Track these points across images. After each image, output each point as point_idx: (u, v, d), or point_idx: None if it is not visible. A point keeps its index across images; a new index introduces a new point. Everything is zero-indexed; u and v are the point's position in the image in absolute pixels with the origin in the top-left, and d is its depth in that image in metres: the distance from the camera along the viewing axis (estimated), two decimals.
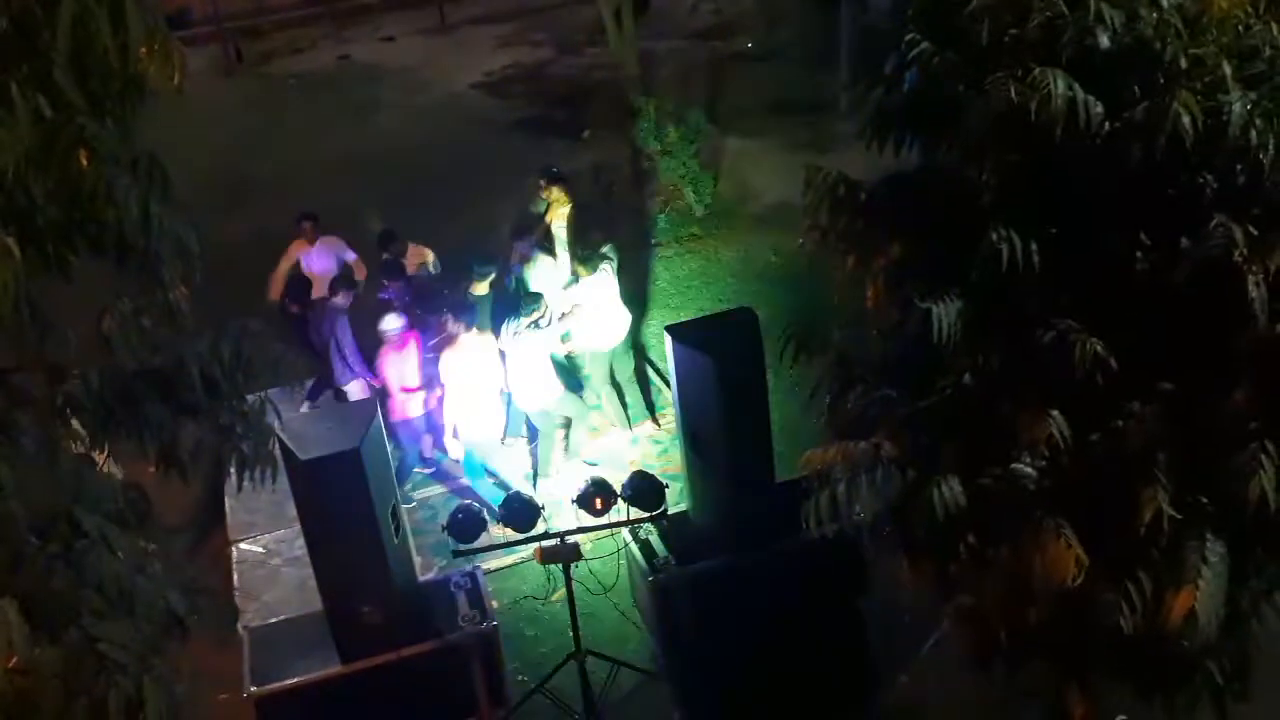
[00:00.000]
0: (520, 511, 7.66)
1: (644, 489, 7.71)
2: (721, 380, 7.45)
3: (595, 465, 10.07)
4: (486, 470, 10.01)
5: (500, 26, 20.10)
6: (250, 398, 5.44)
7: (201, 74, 18.49)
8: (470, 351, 9.67)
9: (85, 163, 4.44)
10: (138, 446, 5.10)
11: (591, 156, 14.80)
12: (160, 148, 4.88)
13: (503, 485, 9.82)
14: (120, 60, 4.37)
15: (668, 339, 7.79)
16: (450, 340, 9.71)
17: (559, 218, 11.42)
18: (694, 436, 7.84)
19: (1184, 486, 4.98)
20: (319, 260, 11.22)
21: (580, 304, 10.35)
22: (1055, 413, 4.99)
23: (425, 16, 20.57)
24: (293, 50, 20.18)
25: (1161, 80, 4.90)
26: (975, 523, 5.27)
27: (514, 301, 10.37)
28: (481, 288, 10.71)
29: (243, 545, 9.90)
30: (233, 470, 5.37)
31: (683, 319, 10.23)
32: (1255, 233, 4.77)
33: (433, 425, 10.09)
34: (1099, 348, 4.86)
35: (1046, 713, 6.03)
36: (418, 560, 8.61)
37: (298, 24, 20.84)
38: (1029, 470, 5.14)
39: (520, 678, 8.40)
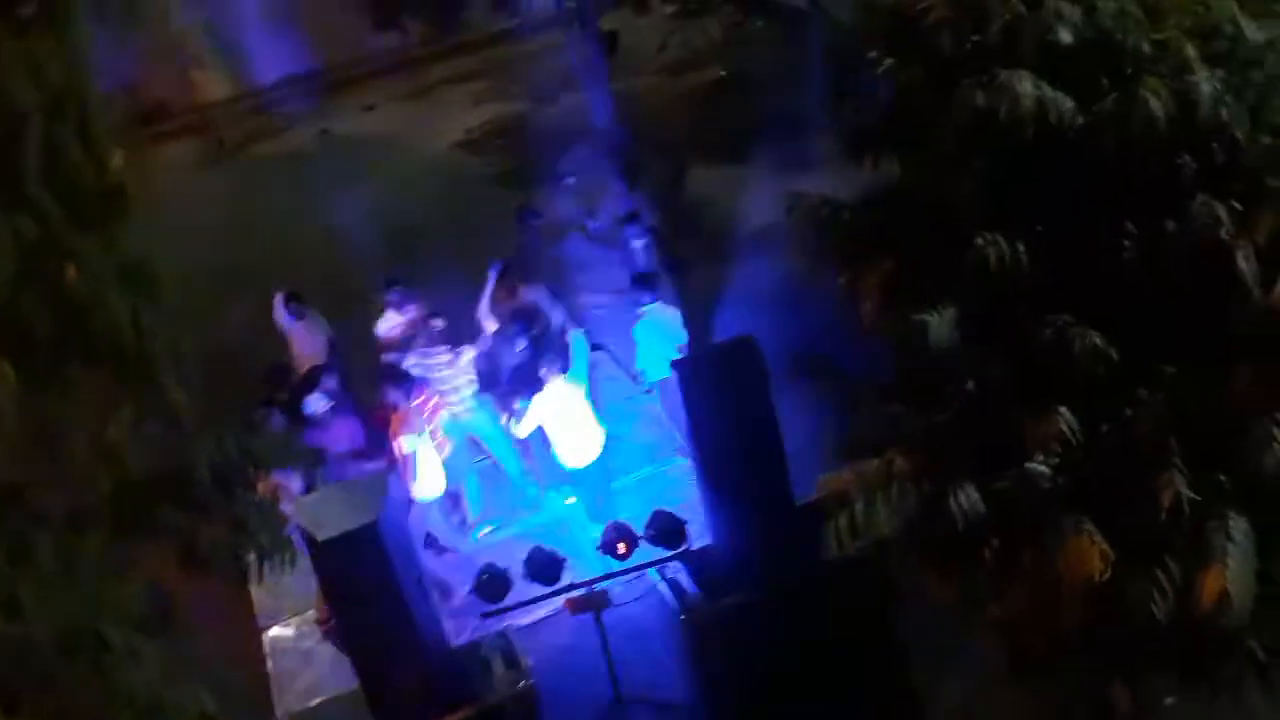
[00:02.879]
0: (545, 565, 7.64)
1: (665, 528, 7.70)
2: (730, 411, 7.44)
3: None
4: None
5: (475, 84, 20.26)
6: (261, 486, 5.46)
7: (185, 165, 18.67)
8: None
9: (73, 276, 4.48)
10: (156, 551, 5.12)
11: (577, 201, 14.86)
12: (149, 244, 4.91)
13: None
14: (96, 172, 4.42)
15: (673, 375, 7.80)
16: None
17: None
18: (708, 469, 7.82)
19: (1200, 468, 4.96)
20: (307, 341, 11.25)
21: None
22: (1063, 409, 4.98)
23: (402, 82, 20.75)
24: (274, 131, 20.34)
25: (1127, 69, 4.93)
26: (997, 528, 5.25)
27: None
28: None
29: (273, 631, 9.87)
30: (252, 561, 5.38)
31: (685, 352, 10.21)
32: (1239, 208, 4.78)
33: None
34: (1098, 340, 4.86)
35: (1093, 712, 5.97)
36: (449, 625, 8.58)
37: (276, 104, 21.02)
38: (1043, 469, 5.12)
39: None
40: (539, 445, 10.05)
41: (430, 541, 9.83)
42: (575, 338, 10.44)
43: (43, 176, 4.31)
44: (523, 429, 9.71)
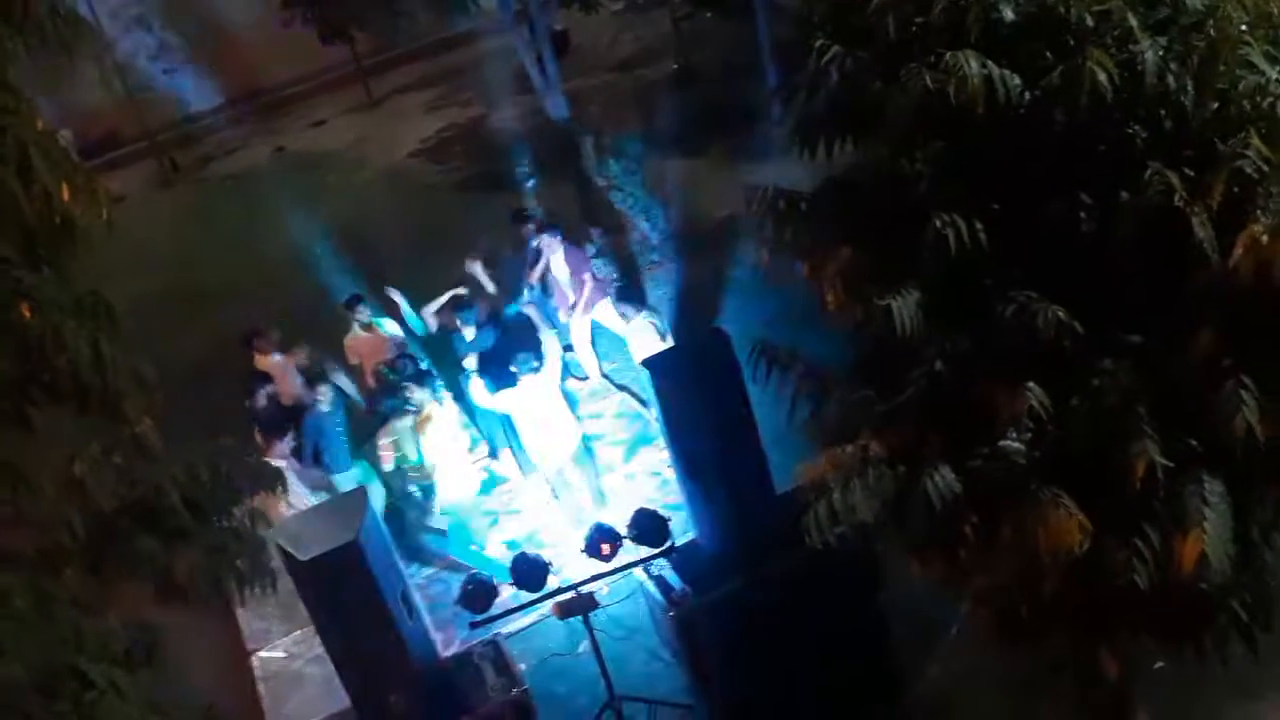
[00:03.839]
0: (530, 571, 7.63)
1: (648, 526, 7.70)
2: (705, 405, 7.46)
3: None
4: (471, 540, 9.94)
5: (427, 92, 20.13)
6: (238, 510, 5.42)
7: (139, 191, 18.49)
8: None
9: (28, 314, 4.44)
10: (133, 582, 5.08)
11: (539, 202, 14.83)
12: (106, 273, 4.87)
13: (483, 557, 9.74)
14: (43, 208, 4.37)
15: (646, 373, 7.81)
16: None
17: (555, 259, 11.43)
18: (688, 464, 7.83)
19: (1171, 434, 5.00)
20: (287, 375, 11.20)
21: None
22: (1031, 384, 5.01)
23: (351, 95, 20.60)
24: (226, 151, 20.17)
25: (1071, 42, 4.95)
26: (974, 506, 5.28)
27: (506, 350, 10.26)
28: (469, 332, 10.69)
29: (262, 654, 9.81)
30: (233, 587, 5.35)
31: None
32: (1191, 175, 4.82)
33: None
34: (1061, 314, 4.89)
35: (1079, 679, 6.02)
36: (438, 637, 8.56)
37: (227, 124, 20.84)
38: (1017, 445, 5.15)
39: None
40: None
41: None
42: (549, 337, 10.47)
43: None
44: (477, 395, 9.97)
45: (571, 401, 10.73)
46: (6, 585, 4.60)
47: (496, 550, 9.84)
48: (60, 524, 4.85)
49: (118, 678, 4.60)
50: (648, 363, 7.95)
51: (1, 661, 4.35)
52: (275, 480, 5.63)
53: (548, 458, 9.94)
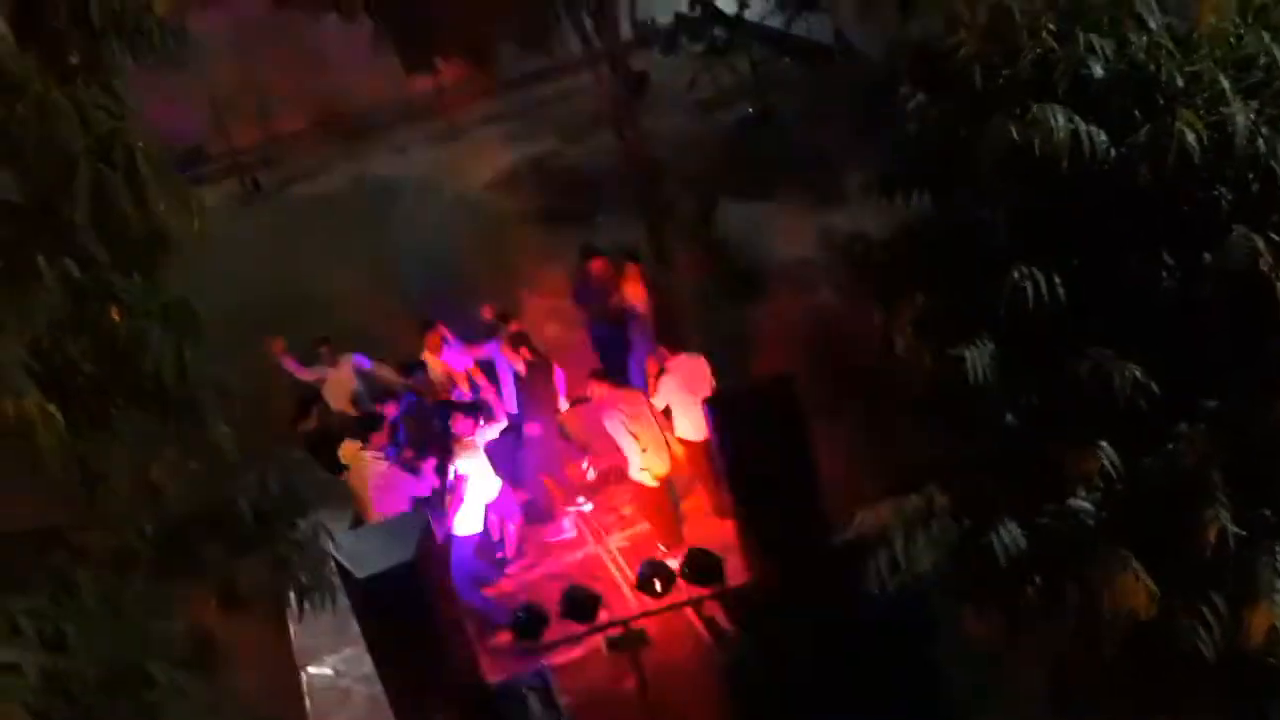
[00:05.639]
0: (581, 603, 7.64)
1: (702, 565, 7.70)
2: (766, 449, 7.46)
3: None
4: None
5: (506, 125, 20.44)
6: (302, 524, 5.49)
7: (222, 208, 18.90)
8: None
9: (117, 318, 4.56)
10: (197, 588, 5.16)
11: (609, 239, 14.94)
12: (189, 285, 4.99)
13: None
14: (140, 217, 4.50)
15: (709, 412, 7.82)
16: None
17: (635, 297, 11.34)
18: (745, 507, 7.82)
19: (1245, 502, 4.90)
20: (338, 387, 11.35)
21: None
22: (1104, 444, 4.94)
23: (433, 124, 20.96)
24: (307, 174, 20.59)
25: (1161, 100, 4.93)
26: (1039, 563, 5.21)
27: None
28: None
29: (311, 669, 9.89)
30: (293, 599, 5.41)
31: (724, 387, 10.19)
32: (1277, 239, 4.75)
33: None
34: (1138, 373, 4.83)
35: None
36: (487, 663, 8.57)
37: (310, 147, 21.27)
38: (1086, 505, 5.08)
39: None
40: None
41: (471, 576, 9.88)
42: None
43: (91, 221, 4.39)
44: None
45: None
46: (77, 582, 4.70)
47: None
48: (132, 526, 4.94)
49: (180, 679, 4.67)
50: (712, 403, 7.96)
51: (67, 656, 4.43)
52: (343, 496, 5.69)
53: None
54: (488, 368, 11.00)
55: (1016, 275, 4.93)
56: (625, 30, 16.56)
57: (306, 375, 11.42)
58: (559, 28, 16.17)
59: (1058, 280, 4.96)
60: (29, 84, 4.27)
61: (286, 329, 13.26)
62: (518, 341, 10.62)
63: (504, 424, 10.20)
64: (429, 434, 10.01)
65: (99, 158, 4.42)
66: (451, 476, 9.32)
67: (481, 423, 9.68)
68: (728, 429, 7.68)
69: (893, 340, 5.58)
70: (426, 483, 9.50)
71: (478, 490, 9.48)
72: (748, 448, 7.55)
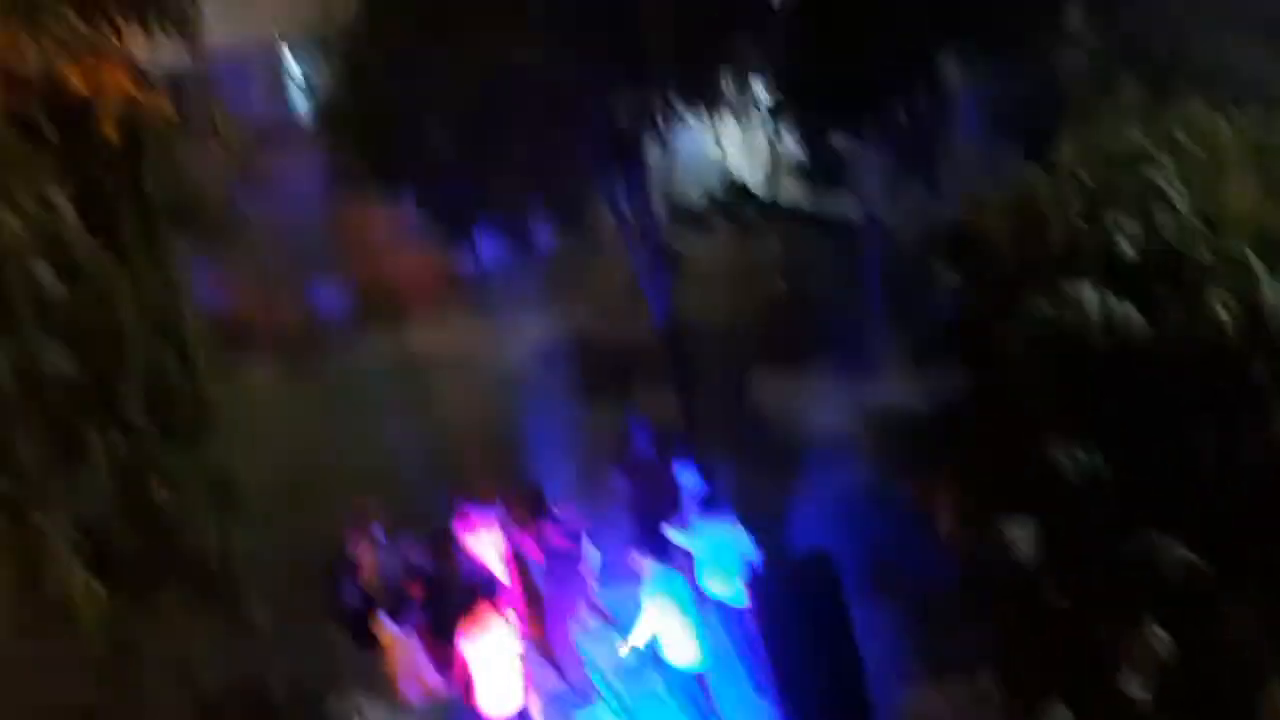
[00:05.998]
0: None
1: None
2: (807, 629, 7.30)
3: None
4: None
5: (542, 298, 20.81)
6: (338, 702, 5.41)
7: (263, 381, 19.18)
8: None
9: (164, 494, 4.61)
10: None
11: (645, 411, 15.00)
12: (234, 460, 5.04)
13: None
14: (190, 389, 4.60)
15: (748, 593, 7.70)
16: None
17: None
18: (785, 690, 7.60)
19: None
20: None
21: None
22: (1158, 630, 4.83)
23: (470, 297, 21.35)
24: (347, 346, 20.91)
25: (1190, 278, 4.98)
26: None
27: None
28: None
29: None
30: None
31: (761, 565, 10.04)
32: None
33: None
34: (1188, 554, 4.75)
35: None
36: None
37: (350, 321, 21.66)
38: (1143, 695, 4.92)
39: None
40: None
41: None
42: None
43: (141, 396, 4.49)
44: None
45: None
46: None
47: None
48: (167, 705, 4.88)
49: None
50: (749, 582, 7.83)
51: None
52: (380, 674, 5.61)
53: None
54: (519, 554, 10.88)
55: (1059, 452, 4.91)
56: (659, 209, 17.00)
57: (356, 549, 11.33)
58: (595, 205, 16.64)
59: (1099, 457, 4.93)
60: (91, 267, 4.43)
61: (326, 501, 13.30)
62: (540, 529, 10.58)
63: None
64: (452, 615, 9.91)
65: (152, 333, 4.55)
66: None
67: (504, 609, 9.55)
68: (766, 608, 7.53)
69: (933, 516, 5.54)
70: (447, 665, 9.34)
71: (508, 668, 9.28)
72: (787, 628, 7.38)
